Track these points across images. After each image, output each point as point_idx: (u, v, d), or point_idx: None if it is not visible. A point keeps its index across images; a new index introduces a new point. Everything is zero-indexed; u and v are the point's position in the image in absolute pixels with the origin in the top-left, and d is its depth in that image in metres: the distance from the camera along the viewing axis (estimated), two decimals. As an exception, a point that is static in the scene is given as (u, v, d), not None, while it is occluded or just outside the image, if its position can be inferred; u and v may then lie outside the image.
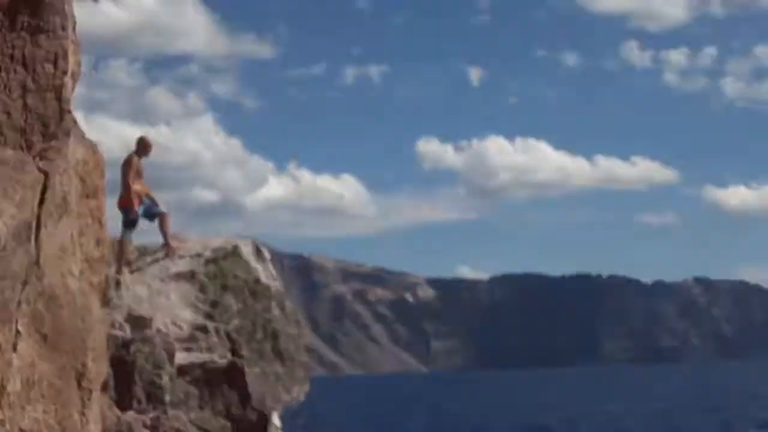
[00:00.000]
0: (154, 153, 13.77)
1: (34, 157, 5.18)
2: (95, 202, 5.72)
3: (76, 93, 5.56)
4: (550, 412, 56.94)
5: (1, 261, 4.72)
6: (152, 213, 13.82)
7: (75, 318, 5.27)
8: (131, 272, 13.44)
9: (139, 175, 13.58)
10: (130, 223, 13.48)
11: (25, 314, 4.90)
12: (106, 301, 11.52)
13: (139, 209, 13.52)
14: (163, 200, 13.98)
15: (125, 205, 13.39)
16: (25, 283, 4.90)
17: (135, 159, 13.53)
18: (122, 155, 13.57)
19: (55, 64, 5.31)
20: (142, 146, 13.68)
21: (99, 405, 5.74)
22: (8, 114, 5.18)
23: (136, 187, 13.46)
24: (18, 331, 4.85)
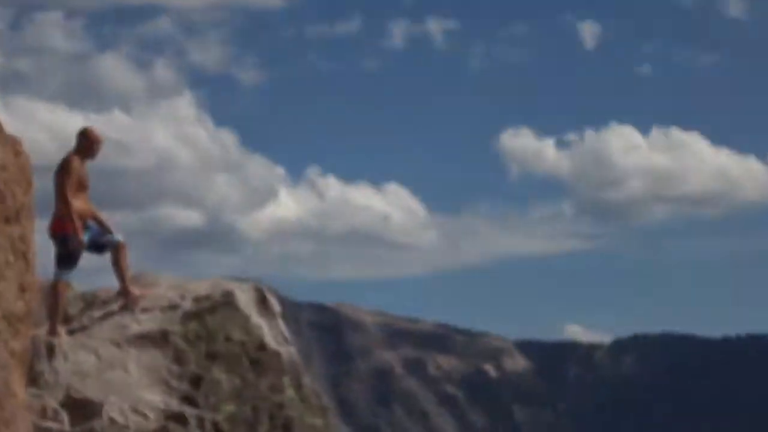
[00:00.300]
0: (104, 153, 13.87)
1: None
2: (18, 228, 5.76)
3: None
4: None
5: None
6: (102, 243, 13.89)
7: (-12, 403, 5.31)
8: (71, 333, 13.49)
9: (82, 186, 13.66)
10: (68, 259, 13.55)
11: None
12: (33, 377, 11.56)
13: (83, 237, 13.60)
14: (119, 225, 14.07)
15: (61, 232, 13.47)
16: None
17: (76, 162, 13.61)
18: (57, 157, 13.69)
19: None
20: (87, 143, 13.77)
21: None
22: None
23: (78, 204, 13.55)
24: None
